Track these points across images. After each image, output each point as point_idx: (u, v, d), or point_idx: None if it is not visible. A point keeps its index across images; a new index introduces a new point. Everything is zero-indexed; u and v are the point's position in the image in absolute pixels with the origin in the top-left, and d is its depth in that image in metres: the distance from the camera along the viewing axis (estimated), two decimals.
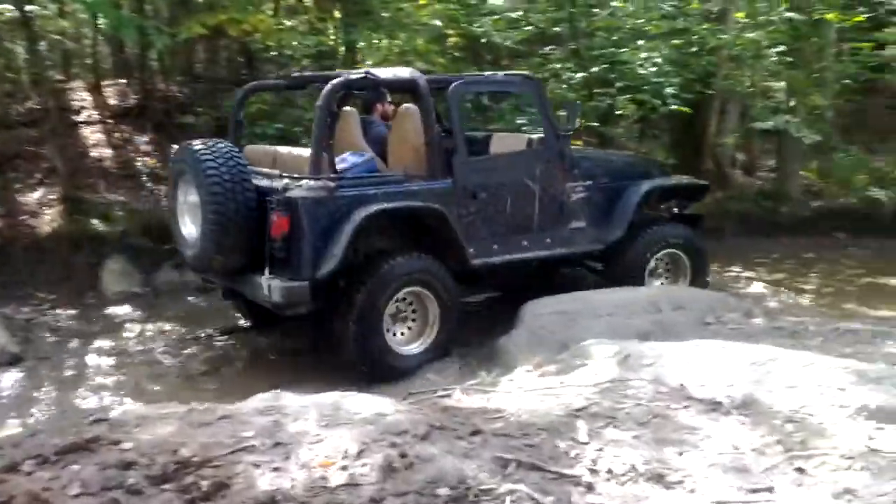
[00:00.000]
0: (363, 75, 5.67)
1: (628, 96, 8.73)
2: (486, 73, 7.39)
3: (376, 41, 9.72)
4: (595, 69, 8.98)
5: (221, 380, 5.43)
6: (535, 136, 6.22)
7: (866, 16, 10.64)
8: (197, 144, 5.25)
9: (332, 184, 5.10)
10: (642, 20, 9.24)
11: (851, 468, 2.31)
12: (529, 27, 10.35)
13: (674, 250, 6.41)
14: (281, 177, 5.25)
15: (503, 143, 6.43)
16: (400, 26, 9.68)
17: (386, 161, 5.85)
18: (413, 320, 5.39)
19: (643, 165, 6.85)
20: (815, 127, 9.08)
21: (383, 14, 9.37)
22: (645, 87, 8.59)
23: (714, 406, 2.84)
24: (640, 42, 9.17)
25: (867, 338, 4.48)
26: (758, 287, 7.50)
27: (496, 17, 9.98)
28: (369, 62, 9.59)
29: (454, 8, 9.90)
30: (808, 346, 4.46)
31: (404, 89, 6.09)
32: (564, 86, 9.23)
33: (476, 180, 5.66)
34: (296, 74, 7.68)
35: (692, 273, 6.44)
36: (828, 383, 2.77)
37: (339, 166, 5.46)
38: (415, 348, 5.33)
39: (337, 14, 9.85)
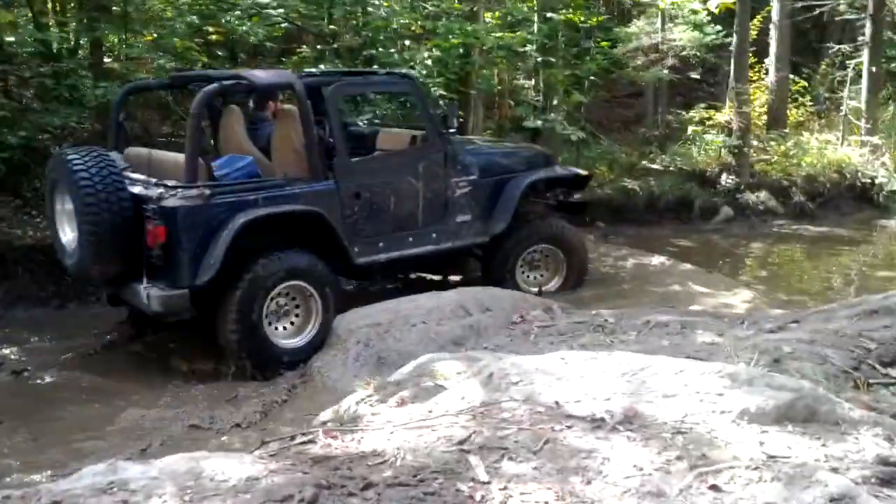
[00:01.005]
0: (236, 80, 5.63)
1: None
2: (364, 71, 7.60)
3: (125, 38, 8.80)
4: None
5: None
6: (418, 133, 6.35)
7: (606, 16, 11.46)
8: (70, 153, 5.14)
9: (207, 191, 5.07)
10: (407, 20, 9.18)
11: (762, 479, 2.29)
12: (285, 24, 9.94)
13: (548, 245, 6.65)
14: (157, 185, 5.18)
15: (389, 139, 6.58)
16: (145, 23, 8.85)
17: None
18: (296, 315, 5.45)
19: (529, 157, 6.98)
20: (577, 124, 9.57)
21: (127, 9, 8.48)
22: None
23: (597, 423, 2.73)
24: (406, 42, 9.15)
25: (677, 329, 4.68)
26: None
27: (253, 12, 9.47)
28: (123, 58, 8.66)
29: (204, 2, 9.24)
30: (627, 342, 4.60)
31: (281, 90, 6.21)
32: None
33: (358, 180, 5.74)
34: (176, 74, 7.42)
35: (567, 267, 6.70)
36: (704, 389, 2.77)
37: (216, 172, 5.43)
38: (299, 341, 5.37)
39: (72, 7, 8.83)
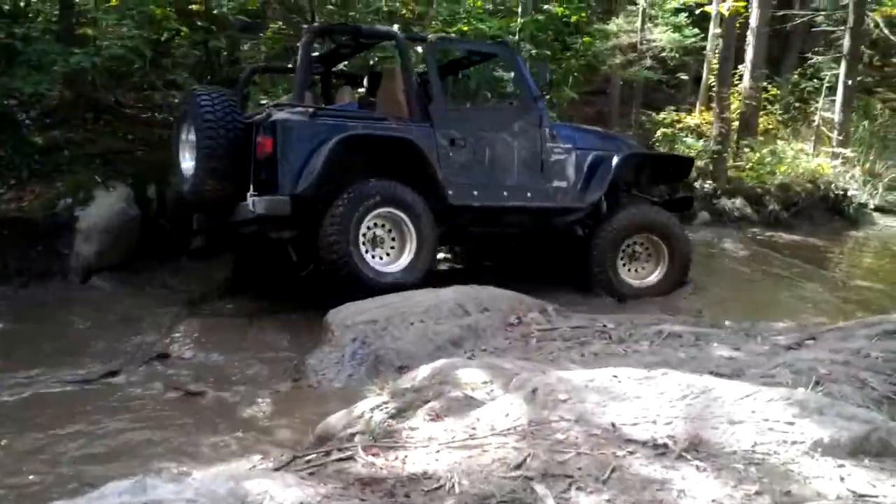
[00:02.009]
0: (342, 25, 6.76)
1: None
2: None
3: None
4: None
5: None
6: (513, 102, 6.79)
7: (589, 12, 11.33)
8: (198, 90, 5.86)
9: (311, 110, 5.66)
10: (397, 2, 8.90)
11: None
12: None
13: (652, 235, 6.67)
14: (268, 106, 5.85)
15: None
16: None
17: None
18: (392, 246, 5.80)
19: (627, 141, 7.30)
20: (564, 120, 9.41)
21: None
22: None
23: (660, 450, 2.56)
24: (396, 26, 8.86)
25: (691, 340, 4.55)
26: None
27: None
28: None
29: None
30: (641, 352, 4.45)
31: (384, 40, 6.87)
32: None
33: (454, 128, 6.08)
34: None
35: (669, 261, 6.73)
36: (773, 416, 2.61)
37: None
38: (392, 269, 5.70)
39: None
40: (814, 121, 12.40)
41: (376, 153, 5.78)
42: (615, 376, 2.92)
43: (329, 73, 7.22)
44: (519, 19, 10.17)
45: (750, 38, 12.41)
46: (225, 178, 5.56)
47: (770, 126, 13.27)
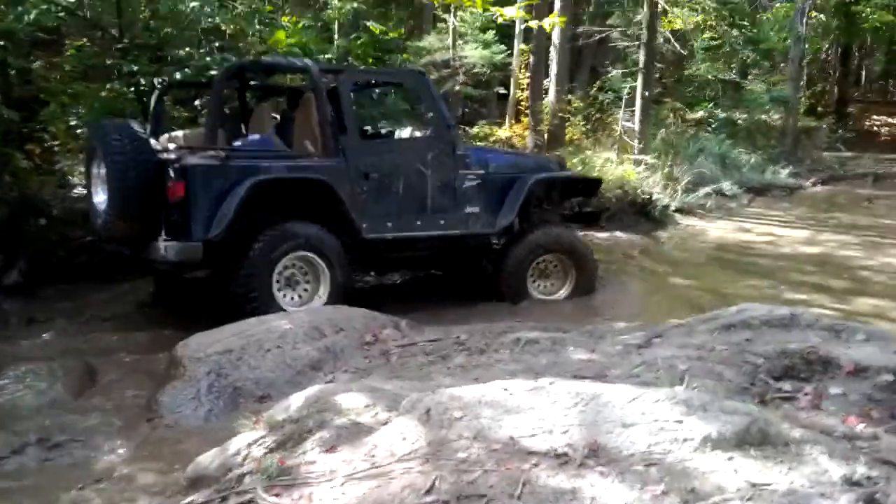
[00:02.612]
0: (253, 62, 6.72)
1: None
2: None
3: None
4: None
5: None
6: (426, 131, 6.77)
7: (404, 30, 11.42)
8: (106, 123, 6.00)
9: (223, 154, 5.66)
10: (217, 19, 8.55)
11: None
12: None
13: (559, 254, 6.92)
14: (180, 149, 5.81)
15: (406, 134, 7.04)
16: None
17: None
18: (305, 288, 5.96)
19: (540, 161, 7.54)
20: None
21: None
22: None
23: (562, 459, 2.59)
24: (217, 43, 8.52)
25: (548, 346, 4.66)
26: None
27: None
28: None
29: None
30: (504, 360, 4.52)
31: (297, 74, 6.96)
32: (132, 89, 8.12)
33: (368, 161, 6.16)
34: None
35: (576, 277, 6.99)
36: (662, 416, 2.72)
37: (235, 144, 6.19)
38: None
39: None
40: (615, 130, 13.20)
41: (289, 193, 5.87)
42: (506, 389, 2.94)
43: (244, 89, 7.18)
44: (336, 37, 10.10)
45: (553, 53, 13.08)
46: (136, 217, 5.62)
47: (575, 137, 14.01)
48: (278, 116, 7.02)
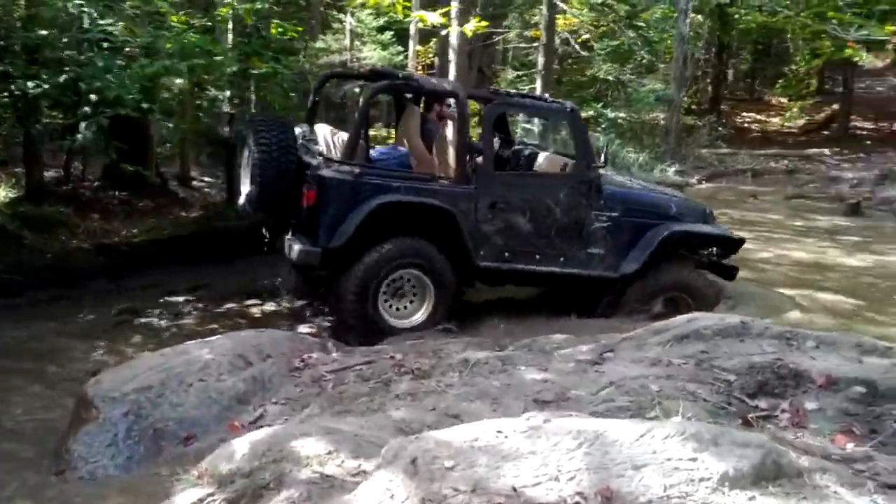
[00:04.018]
0: (406, 80, 6.57)
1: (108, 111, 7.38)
2: (530, 95, 8.40)
3: None
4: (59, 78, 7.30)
5: None
6: (570, 161, 6.57)
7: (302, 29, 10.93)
8: (259, 118, 6.24)
9: (358, 170, 5.91)
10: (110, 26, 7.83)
11: None
12: None
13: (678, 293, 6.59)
14: (321, 156, 6.04)
15: (547, 161, 6.87)
16: None
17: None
18: (411, 300, 6.16)
19: (682, 206, 6.93)
20: None
21: None
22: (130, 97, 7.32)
23: None
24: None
25: (498, 366, 4.42)
26: None
27: None
28: None
29: None
30: (454, 385, 4.25)
31: (445, 97, 6.69)
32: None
33: (498, 192, 6.19)
34: (374, 69, 8.01)
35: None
36: (674, 455, 2.50)
37: (373, 155, 6.52)
38: (405, 323, 6.07)
39: None
40: (516, 132, 13.11)
41: (414, 213, 6.01)
42: (500, 431, 2.65)
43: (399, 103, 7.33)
44: (230, 36, 9.54)
45: (452, 55, 12.88)
46: (272, 209, 6.06)
47: (475, 138, 13.85)
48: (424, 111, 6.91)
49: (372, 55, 11.76)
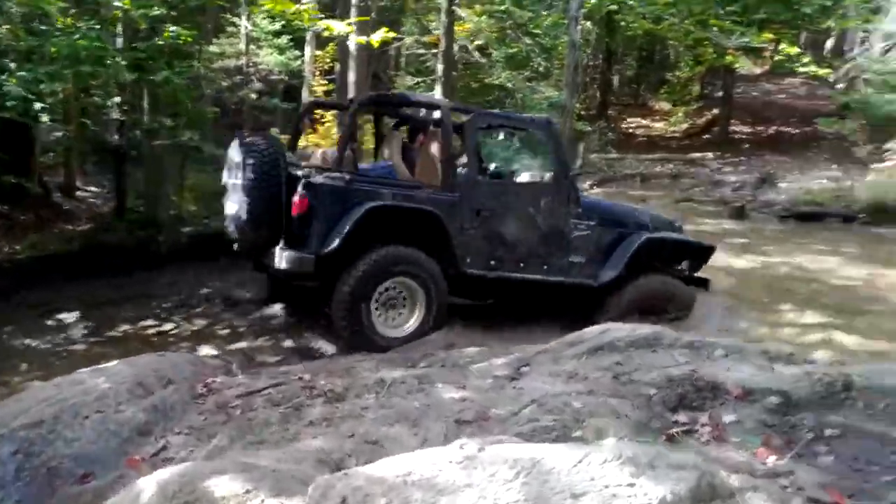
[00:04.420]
0: (387, 96, 7.42)
1: None
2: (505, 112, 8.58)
3: None
4: None
5: None
6: (546, 175, 6.81)
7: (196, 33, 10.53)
8: (246, 136, 6.28)
9: (348, 177, 5.98)
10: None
11: None
12: None
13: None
14: (309, 167, 6.29)
15: (527, 176, 7.05)
16: None
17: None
18: (401, 310, 6.18)
19: (654, 218, 7.30)
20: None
21: None
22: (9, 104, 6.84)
23: None
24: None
25: (415, 385, 4.32)
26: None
27: None
28: None
29: None
30: (371, 407, 4.12)
31: (430, 109, 7.05)
32: None
33: (481, 200, 6.34)
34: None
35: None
36: (613, 481, 2.45)
37: (362, 167, 6.81)
38: (397, 333, 6.08)
39: None
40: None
41: (402, 219, 6.10)
42: (433, 463, 2.54)
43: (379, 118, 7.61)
44: (119, 41, 9.08)
45: (351, 62, 12.70)
46: (267, 226, 5.99)
47: (373, 145, 13.69)
48: (407, 140, 7.15)
49: (268, 60, 11.43)
